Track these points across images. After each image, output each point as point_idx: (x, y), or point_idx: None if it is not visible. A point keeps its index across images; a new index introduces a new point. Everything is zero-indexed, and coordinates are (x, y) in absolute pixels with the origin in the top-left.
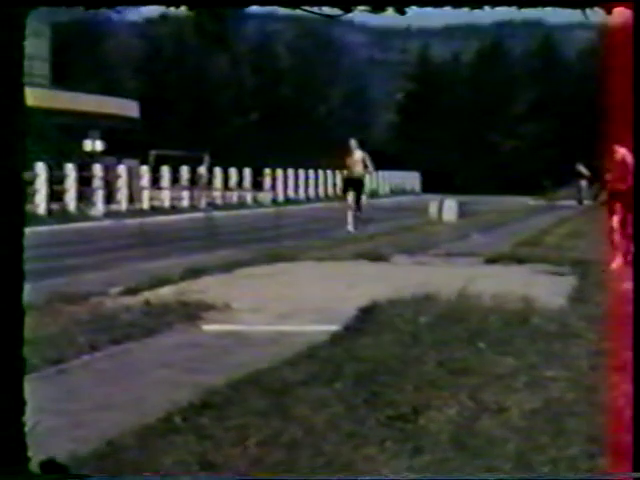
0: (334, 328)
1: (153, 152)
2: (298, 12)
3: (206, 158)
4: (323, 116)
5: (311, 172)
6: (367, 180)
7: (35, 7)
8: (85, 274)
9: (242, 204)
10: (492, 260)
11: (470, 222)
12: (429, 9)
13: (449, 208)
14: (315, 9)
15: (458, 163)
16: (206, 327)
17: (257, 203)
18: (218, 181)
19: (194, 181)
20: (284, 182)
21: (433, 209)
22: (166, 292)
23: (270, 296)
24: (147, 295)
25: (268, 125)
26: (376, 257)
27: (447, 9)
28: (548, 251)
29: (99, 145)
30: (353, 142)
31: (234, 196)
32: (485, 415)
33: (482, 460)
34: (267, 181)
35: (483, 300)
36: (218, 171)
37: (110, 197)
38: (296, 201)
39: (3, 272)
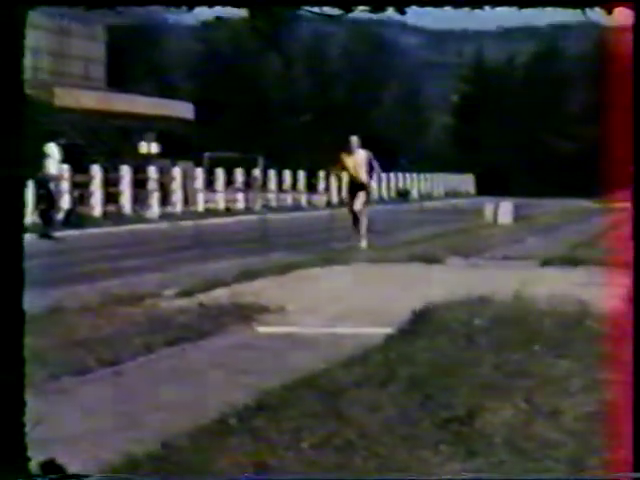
0: (388, 330)
1: (208, 154)
2: (352, 14)
3: (260, 160)
4: (377, 118)
5: None
6: (373, 185)
7: (35, 7)
8: (140, 276)
9: (296, 206)
10: (548, 263)
11: (526, 225)
12: (482, 12)
13: (504, 210)
14: (315, 9)
15: (513, 165)
16: (260, 329)
17: (311, 205)
18: (272, 183)
19: (248, 183)
20: (338, 184)
21: (488, 212)
22: (221, 294)
23: (324, 298)
24: (202, 297)
25: (322, 127)
26: (431, 259)
27: (502, 10)
28: (604, 253)
29: (154, 147)
30: (355, 140)
31: (288, 198)
32: (540, 418)
33: (536, 463)
34: (321, 183)
35: (538, 303)
36: (272, 173)
37: (165, 199)
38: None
39: (4, 274)
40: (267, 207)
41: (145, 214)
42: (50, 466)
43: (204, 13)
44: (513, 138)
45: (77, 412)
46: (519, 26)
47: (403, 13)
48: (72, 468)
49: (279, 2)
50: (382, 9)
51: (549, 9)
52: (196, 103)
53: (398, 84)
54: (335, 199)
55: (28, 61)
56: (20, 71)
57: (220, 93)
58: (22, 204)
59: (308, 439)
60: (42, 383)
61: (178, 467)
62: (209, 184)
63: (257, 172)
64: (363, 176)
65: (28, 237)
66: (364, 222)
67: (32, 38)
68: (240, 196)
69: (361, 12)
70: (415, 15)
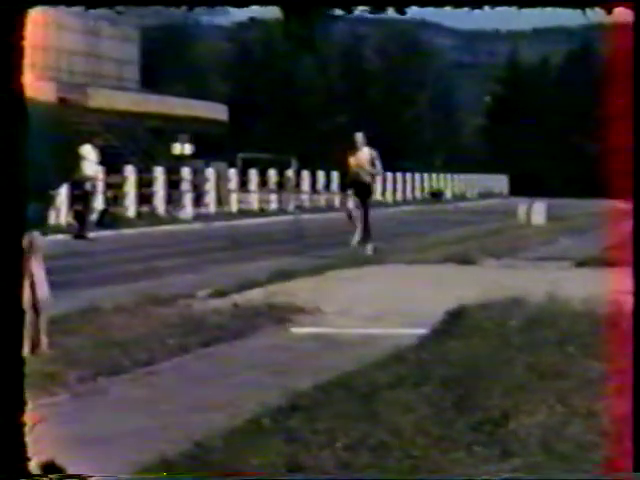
0: (422, 331)
1: (241, 155)
2: (385, 15)
3: (294, 161)
4: (410, 119)
5: (398, 175)
6: (374, 184)
7: (35, 7)
8: (174, 276)
9: (330, 207)
10: (581, 263)
11: (559, 225)
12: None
13: (538, 211)
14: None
15: (547, 166)
16: (294, 330)
17: (345, 206)
18: (306, 184)
19: (282, 184)
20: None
21: (522, 212)
22: (255, 295)
23: (359, 299)
24: (236, 297)
25: (355, 128)
26: (464, 260)
27: (535, 10)
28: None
29: (188, 148)
30: (360, 137)
31: (321, 199)
32: (575, 420)
33: (571, 465)
34: None
35: (572, 304)
36: (306, 174)
37: (198, 200)
38: (384, 204)
39: (3, 273)
40: (300, 208)
41: (179, 215)
42: (50, 466)
43: (237, 14)
44: (547, 139)
45: (112, 412)
46: (552, 27)
47: (403, 13)
48: (107, 468)
49: (279, 2)
50: (382, 9)
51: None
52: (230, 104)
53: (432, 85)
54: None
55: (63, 63)
56: (20, 71)
57: (254, 94)
58: (22, 205)
59: (342, 440)
60: (77, 383)
61: (212, 467)
62: (242, 185)
63: (290, 173)
64: (366, 176)
65: (63, 238)
66: (360, 226)
67: (66, 40)
68: (273, 197)
69: (449, 16)
70: (449, 16)
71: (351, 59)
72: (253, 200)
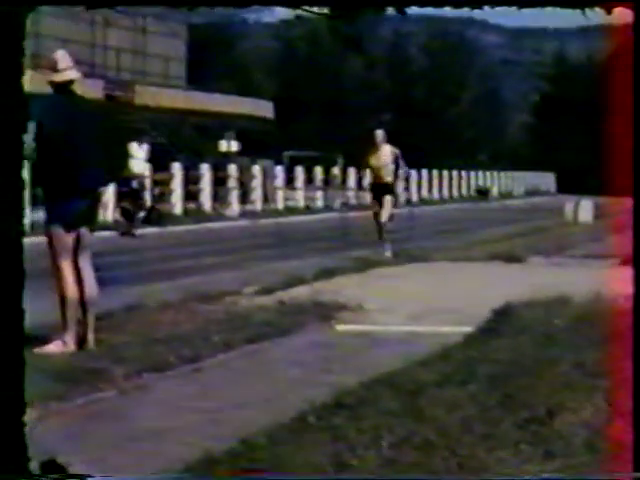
0: (468, 329)
1: (287, 153)
2: (431, 13)
3: (340, 159)
4: (455, 117)
5: (444, 172)
6: (399, 186)
7: (35, 7)
8: (220, 273)
9: None
10: (628, 262)
11: (606, 223)
12: (562, 10)
13: (585, 209)
14: (315, 9)
15: (594, 164)
16: (339, 327)
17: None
18: (352, 181)
19: (328, 182)
20: (417, 182)
21: (569, 210)
22: (300, 292)
23: (404, 296)
24: (281, 295)
25: (401, 126)
26: (511, 258)
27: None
28: None
29: (234, 145)
30: (380, 134)
31: (367, 196)
32: (620, 419)
33: (616, 464)
34: (401, 182)
35: (619, 302)
36: (352, 171)
37: (245, 197)
38: (430, 201)
39: (3, 272)
40: (346, 205)
41: (225, 212)
42: (50, 466)
43: (283, 12)
44: (593, 136)
45: (157, 409)
46: (599, 24)
47: (403, 13)
48: (153, 465)
49: (279, 2)
50: (382, 9)
51: None
52: (276, 101)
53: (477, 83)
54: (415, 197)
55: (110, 60)
56: (20, 71)
57: (300, 91)
58: (22, 204)
59: (387, 438)
60: (123, 380)
61: (257, 464)
62: (289, 182)
63: (336, 170)
64: (388, 176)
65: (109, 234)
66: (384, 227)
67: (113, 37)
68: (319, 194)
69: (496, 13)
70: (495, 13)
71: (396, 57)
72: (299, 197)
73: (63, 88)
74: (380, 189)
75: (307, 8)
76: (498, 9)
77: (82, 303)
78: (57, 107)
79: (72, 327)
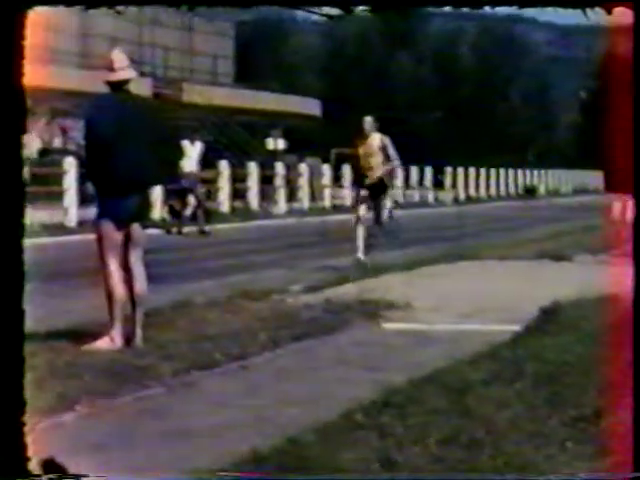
0: (516, 328)
1: (334, 150)
2: (481, 10)
3: None
4: (504, 115)
5: (492, 170)
6: (391, 179)
7: (35, 7)
8: (267, 271)
9: (423, 203)
10: None
11: None
12: None
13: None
14: (315, 9)
15: None
16: (387, 325)
17: (438, 202)
18: (399, 180)
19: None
20: (465, 180)
21: (616, 208)
22: (347, 290)
23: (451, 295)
24: (328, 293)
25: (449, 123)
26: (558, 256)
27: None
28: None
29: (281, 143)
30: (369, 121)
31: (415, 195)
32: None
33: (615, 464)
34: (448, 179)
35: None
36: (399, 169)
37: (292, 195)
38: (477, 199)
39: (3, 272)
40: (393, 203)
41: (272, 210)
42: (50, 466)
43: (331, 9)
44: None
45: (204, 406)
46: None
47: (404, 13)
48: (200, 462)
49: (279, 2)
50: (382, 9)
51: None
52: (323, 99)
53: (527, 80)
54: (463, 195)
55: (159, 58)
56: (21, 71)
57: (348, 89)
58: (22, 204)
59: (434, 436)
60: (171, 377)
61: (304, 462)
62: (336, 180)
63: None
64: (376, 168)
65: (156, 232)
66: (364, 233)
67: (161, 36)
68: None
69: (546, 10)
70: (544, 10)
71: (445, 54)
72: (346, 195)
73: (118, 87)
74: (367, 185)
75: (308, 8)
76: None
77: (132, 300)
78: (109, 105)
79: (119, 323)
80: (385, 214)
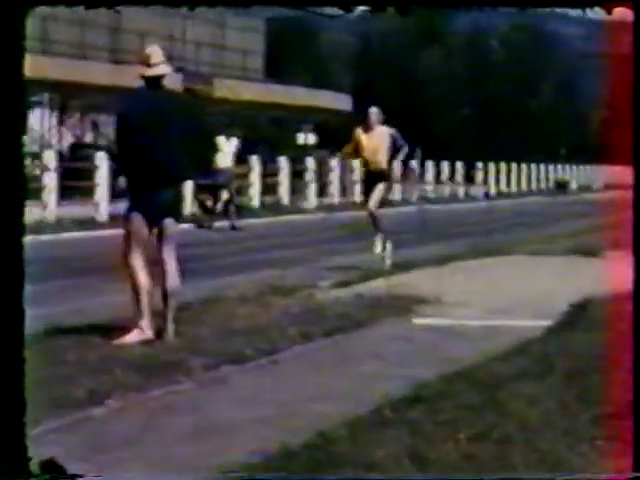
0: (547, 323)
1: None
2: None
3: (418, 152)
4: (535, 110)
5: (523, 166)
6: (395, 173)
7: (35, 7)
8: (297, 266)
9: (454, 198)
10: None
11: None
12: None
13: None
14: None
15: None
16: (417, 320)
17: (469, 197)
18: (430, 175)
19: (406, 175)
20: (497, 176)
21: None
22: (377, 285)
23: (482, 290)
24: (358, 288)
25: (480, 119)
26: (590, 252)
27: None
28: None
29: (312, 138)
30: (375, 112)
31: (446, 190)
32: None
33: (615, 464)
34: (479, 175)
35: None
36: (430, 165)
37: (322, 190)
38: (508, 195)
39: (4, 272)
40: (424, 199)
41: (303, 205)
42: (50, 466)
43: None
44: None
45: (235, 401)
46: None
47: (405, 14)
48: (230, 457)
49: (279, 2)
50: (382, 9)
51: None
52: (354, 94)
53: (558, 75)
54: (493, 190)
55: (190, 54)
56: (21, 71)
57: (378, 84)
58: (22, 203)
59: (465, 431)
60: (201, 372)
61: (334, 458)
62: None
63: (415, 163)
64: (382, 162)
65: (187, 227)
66: (381, 223)
67: (192, 31)
68: (397, 187)
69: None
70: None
71: (475, 50)
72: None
73: (154, 82)
74: (373, 176)
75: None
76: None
77: (164, 294)
78: (144, 100)
79: (147, 314)
80: (375, 200)
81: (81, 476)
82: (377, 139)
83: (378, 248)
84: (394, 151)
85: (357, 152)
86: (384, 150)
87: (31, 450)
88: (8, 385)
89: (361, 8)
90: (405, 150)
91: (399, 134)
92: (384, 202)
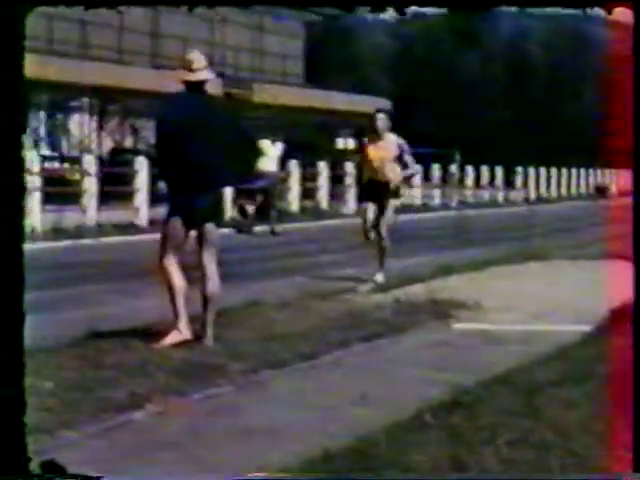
0: (586, 328)
1: None
2: (551, 9)
3: (457, 156)
4: (574, 114)
5: (563, 170)
6: (402, 185)
7: (35, 7)
8: (336, 271)
9: (494, 202)
10: None
11: None
12: None
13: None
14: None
15: None
16: (457, 325)
17: (508, 202)
18: (469, 179)
19: (445, 179)
20: (536, 180)
21: None
22: (417, 290)
23: (521, 295)
24: (398, 293)
25: (519, 123)
26: (629, 257)
27: None
28: None
29: (351, 143)
30: (382, 118)
31: (486, 194)
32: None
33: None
34: (519, 179)
35: None
36: (469, 169)
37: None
38: (548, 200)
39: (3, 274)
40: (464, 203)
41: (342, 210)
42: (50, 466)
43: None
44: None
45: (274, 405)
46: None
47: (403, 14)
48: (270, 461)
49: (279, 2)
50: (382, 9)
51: None
52: (393, 99)
53: (597, 79)
54: (533, 195)
55: (229, 58)
56: (21, 71)
57: (417, 88)
58: (22, 206)
59: (504, 436)
60: (240, 376)
61: (373, 462)
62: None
63: (454, 168)
64: (389, 172)
65: (227, 232)
66: (384, 245)
67: (231, 36)
68: (437, 192)
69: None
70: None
71: (515, 53)
72: (416, 195)
73: (195, 87)
74: (378, 188)
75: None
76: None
77: (204, 299)
78: (184, 104)
79: (184, 315)
80: (387, 221)
81: (83, 476)
82: (384, 148)
83: (379, 277)
84: (403, 165)
85: (363, 164)
86: (390, 160)
87: (70, 454)
88: (8, 385)
89: (400, 12)
90: (413, 170)
91: (408, 147)
92: (386, 211)
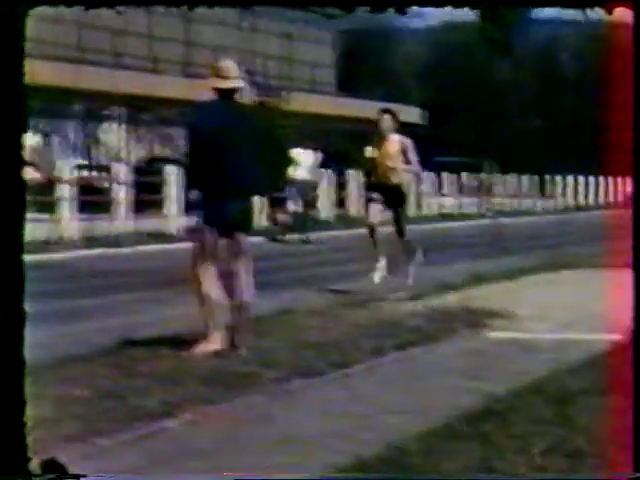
0: (619, 337)
1: (437, 159)
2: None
3: (490, 164)
4: (607, 123)
5: (600, 179)
6: (410, 187)
7: (35, 7)
8: (367, 279)
9: (527, 211)
10: None
11: None
12: None
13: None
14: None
15: None
16: (491, 334)
17: (543, 209)
18: (502, 188)
19: (478, 187)
20: (573, 189)
21: None
22: (450, 298)
23: (556, 304)
24: (431, 301)
25: (552, 131)
26: None
27: None
28: None
29: None
30: (387, 120)
31: (519, 203)
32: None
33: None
34: (552, 188)
35: None
36: (502, 178)
37: None
38: (585, 207)
39: (4, 275)
40: (497, 211)
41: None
42: (50, 466)
43: (431, 17)
44: None
45: (306, 413)
46: None
47: (403, 14)
48: (302, 469)
49: (280, 2)
50: (382, 9)
51: None
52: (425, 107)
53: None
54: (570, 203)
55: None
56: (21, 72)
57: (449, 97)
58: (22, 206)
59: (537, 445)
60: (273, 384)
61: (407, 471)
62: (438, 188)
63: (487, 176)
64: (396, 175)
65: (260, 240)
66: (411, 245)
67: (261, 44)
68: (470, 200)
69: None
70: None
71: (547, 61)
72: (449, 203)
73: (227, 95)
74: (385, 193)
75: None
76: None
77: (237, 307)
78: (217, 112)
79: (216, 326)
80: (406, 226)
81: (83, 476)
82: (389, 149)
83: (376, 277)
84: (406, 163)
85: (370, 170)
86: (396, 161)
87: (104, 461)
88: (8, 385)
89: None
90: (416, 168)
91: (413, 147)
92: (401, 217)
